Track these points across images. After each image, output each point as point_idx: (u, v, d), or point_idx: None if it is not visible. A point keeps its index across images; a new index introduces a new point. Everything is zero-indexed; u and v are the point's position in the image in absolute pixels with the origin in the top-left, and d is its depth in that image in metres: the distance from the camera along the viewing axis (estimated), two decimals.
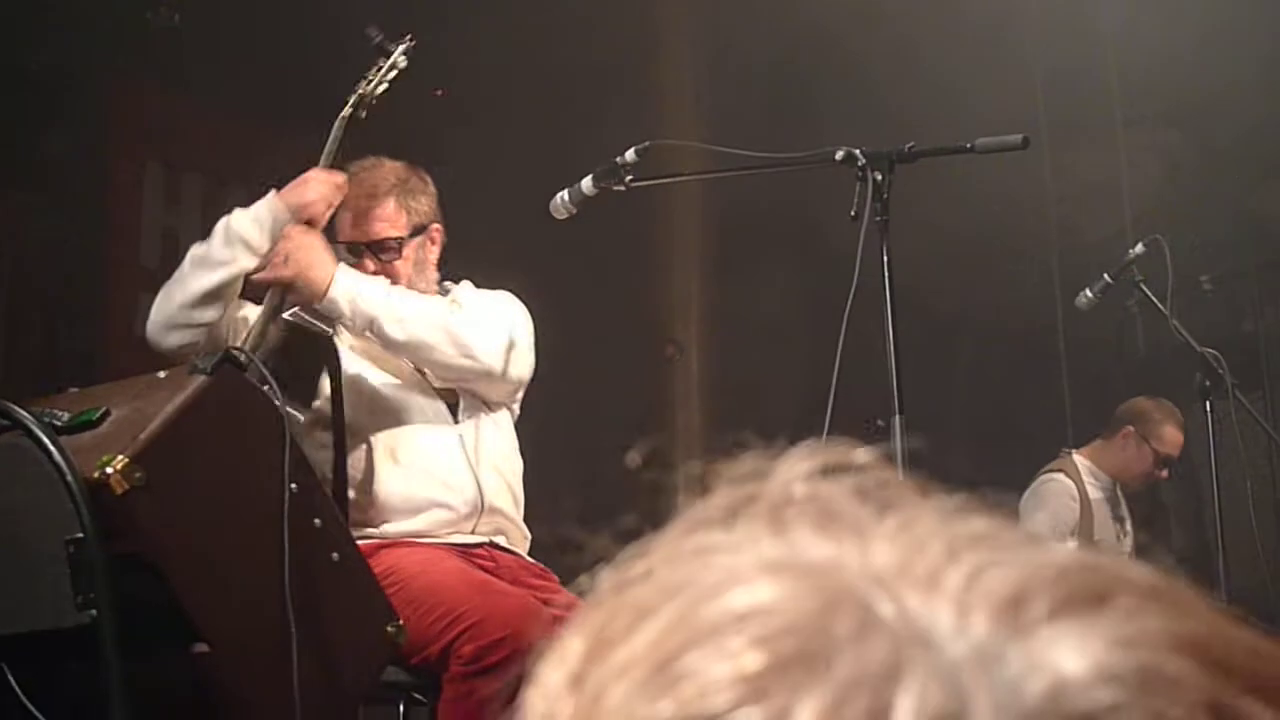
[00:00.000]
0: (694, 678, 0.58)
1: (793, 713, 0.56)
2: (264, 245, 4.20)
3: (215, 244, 4.24)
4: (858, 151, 3.83)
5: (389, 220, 4.55)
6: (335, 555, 3.27)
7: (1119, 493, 7.30)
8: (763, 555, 0.62)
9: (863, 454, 0.69)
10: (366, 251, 4.50)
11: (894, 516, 0.64)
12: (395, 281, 4.45)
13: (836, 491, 0.66)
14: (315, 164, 4.49)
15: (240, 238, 4.21)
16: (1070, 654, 0.57)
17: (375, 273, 4.45)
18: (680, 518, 0.68)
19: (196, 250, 4.28)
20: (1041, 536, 0.65)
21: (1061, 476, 7.32)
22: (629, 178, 4.24)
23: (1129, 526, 7.21)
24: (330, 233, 4.43)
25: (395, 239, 4.54)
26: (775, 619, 0.58)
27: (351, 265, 4.42)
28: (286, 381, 3.57)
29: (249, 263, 4.21)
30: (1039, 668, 0.57)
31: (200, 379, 3.08)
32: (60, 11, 7.48)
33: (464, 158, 7.53)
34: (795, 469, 0.68)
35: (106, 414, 3.09)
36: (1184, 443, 7.17)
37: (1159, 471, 7.21)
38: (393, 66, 4.59)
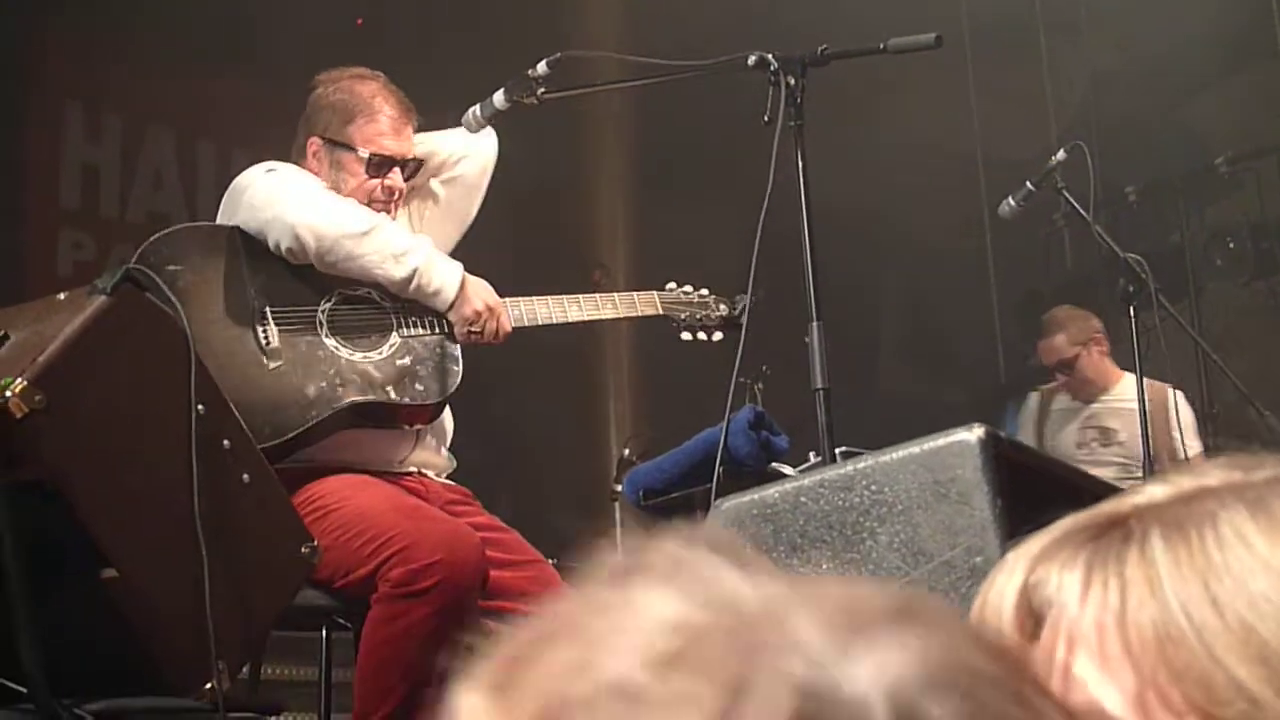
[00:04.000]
0: (605, 660, 0.70)
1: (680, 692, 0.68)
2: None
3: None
4: (770, 56, 3.79)
5: (413, 142, 4.62)
6: (245, 477, 3.21)
7: (1105, 405, 7.39)
8: (666, 584, 0.74)
9: (726, 536, 0.82)
10: (398, 168, 4.54)
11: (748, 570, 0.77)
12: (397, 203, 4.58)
13: (709, 559, 0.77)
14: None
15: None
16: (897, 654, 0.71)
17: (397, 191, 4.54)
18: (579, 578, 0.81)
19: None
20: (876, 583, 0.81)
21: (1032, 392, 7.81)
22: (541, 90, 4.18)
23: (1120, 437, 7.27)
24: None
25: (418, 160, 4.65)
26: (673, 622, 0.71)
27: (377, 178, 4.50)
28: None
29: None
30: (871, 663, 0.70)
31: (100, 299, 3.01)
32: None
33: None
34: (671, 547, 0.80)
35: (5, 338, 3.02)
36: (1057, 351, 7.47)
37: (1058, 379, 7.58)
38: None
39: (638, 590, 0.73)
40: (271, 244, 4.21)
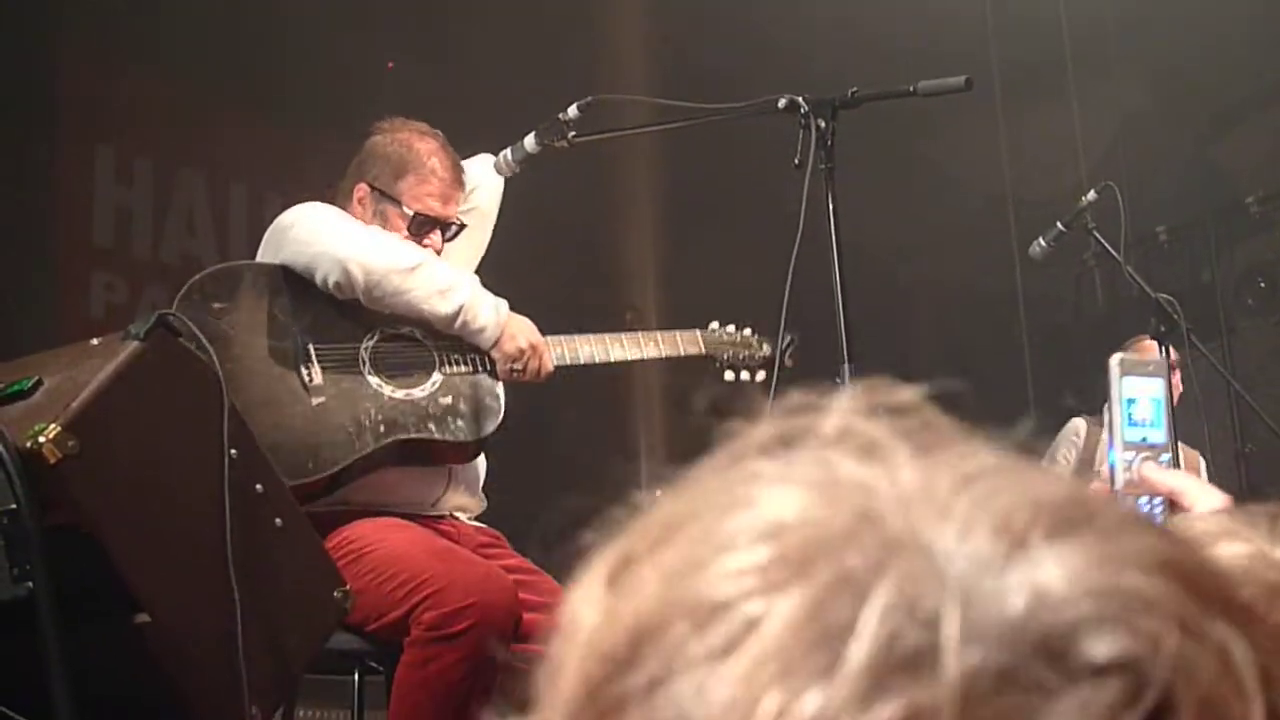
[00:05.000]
0: (709, 569, 0.65)
1: (780, 602, 0.62)
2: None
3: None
4: (800, 99, 3.80)
5: (460, 204, 4.64)
6: (278, 520, 3.21)
7: None
8: (795, 475, 0.68)
9: (909, 395, 0.75)
10: (440, 230, 4.56)
11: (927, 451, 0.69)
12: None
13: (879, 429, 0.71)
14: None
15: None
16: (1054, 570, 0.62)
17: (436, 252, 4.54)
18: (726, 446, 0.75)
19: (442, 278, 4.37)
20: (1050, 471, 0.70)
21: (1076, 419, 7.58)
22: (572, 134, 4.20)
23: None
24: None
25: (461, 224, 4.65)
26: (790, 524, 0.65)
27: (418, 237, 4.51)
28: None
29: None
30: (1023, 582, 0.61)
31: (133, 345, 3.02)
32: None
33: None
34: (842, 408, 0.74)
35: (39, 383, 3.02)
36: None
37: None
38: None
39: (762, 483, 0.67)
40: (319, 279, 4.22)
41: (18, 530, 2.82)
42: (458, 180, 4.55)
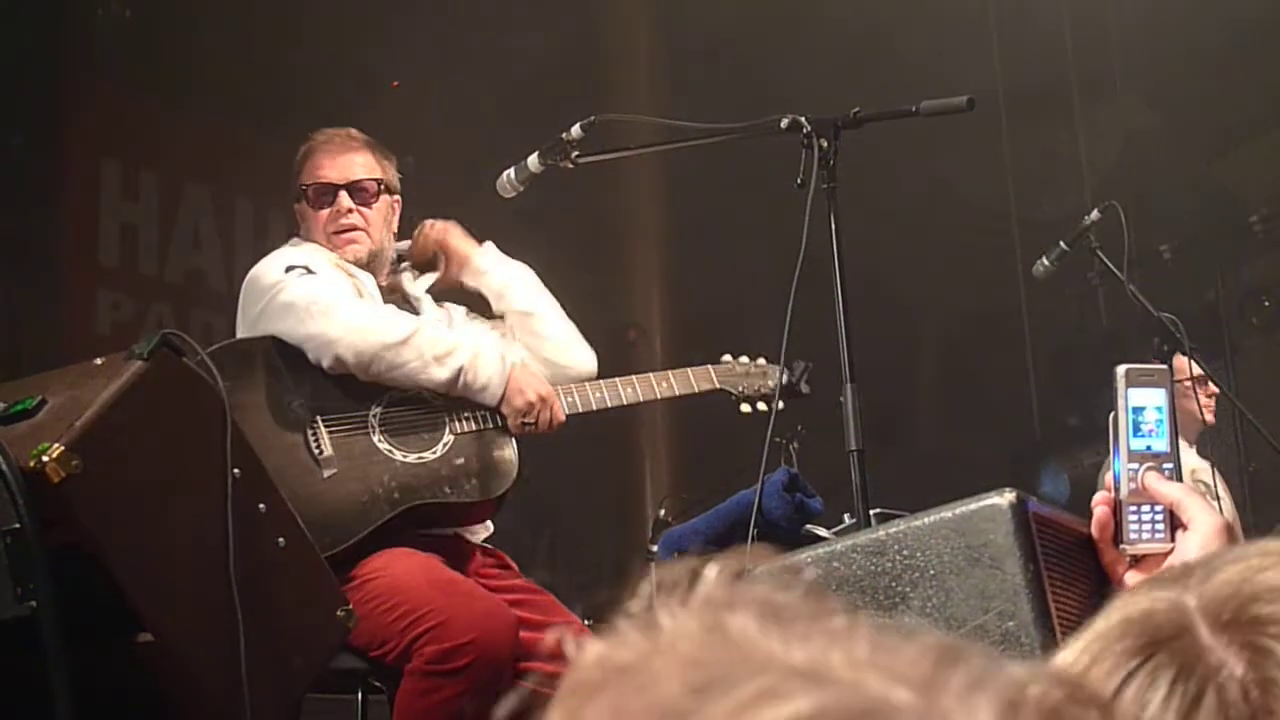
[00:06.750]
0: None
1: None
2: None
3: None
4: (803, 119, 3.80)
5: (367, 166, 4.55)
6: (281, 540, 3.22)
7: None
8: (778, 661, 0.67)
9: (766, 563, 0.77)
10: (343, 191, 4.48)
11: (827, 620, 0.70)
12: (365, 231, 4.50)
13: (766, 592, 0.73)
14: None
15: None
16: None
17: (349, 212, 4.47)
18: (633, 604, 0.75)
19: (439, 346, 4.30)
20: (995, 655, 0.69)
21: None
22: (575, 154, 4.21)
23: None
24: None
25: (375, 180, 4.53)
26: None
27: (325, 208, 4.50)
28: None
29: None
30: None
31: (137, 364, 3.02)
32: (9, 7, 7.41)
33: (420, 146, 7.50)
34: (716, 574, 0.76)
35: (43, 402, 3.03)
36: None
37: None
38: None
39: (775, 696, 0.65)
40: (312, 359, 4.21)
41: (21, 549, 2.82)
42: (348, 147, 4.55)
